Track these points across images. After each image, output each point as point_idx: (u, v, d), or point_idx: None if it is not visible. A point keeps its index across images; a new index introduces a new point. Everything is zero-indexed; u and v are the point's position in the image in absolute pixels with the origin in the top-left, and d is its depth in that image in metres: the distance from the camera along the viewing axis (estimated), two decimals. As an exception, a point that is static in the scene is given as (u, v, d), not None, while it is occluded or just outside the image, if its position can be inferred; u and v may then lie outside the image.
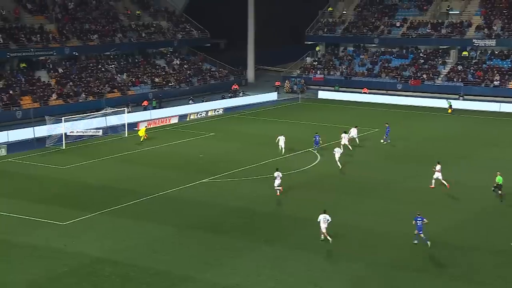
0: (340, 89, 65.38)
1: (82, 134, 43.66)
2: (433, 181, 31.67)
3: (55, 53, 56.14)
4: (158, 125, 49.26)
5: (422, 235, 24.12)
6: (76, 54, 58.30)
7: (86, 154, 39.50)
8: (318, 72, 69.24)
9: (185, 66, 67.11)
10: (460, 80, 61.41)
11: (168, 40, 67.31)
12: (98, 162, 37.59)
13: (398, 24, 69.03)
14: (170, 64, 66.33)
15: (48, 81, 54.03)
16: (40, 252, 23.77)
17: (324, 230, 24.54)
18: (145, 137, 42.83)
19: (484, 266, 22.90)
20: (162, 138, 44.25)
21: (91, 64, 59.12)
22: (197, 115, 53.47)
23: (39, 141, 41.65)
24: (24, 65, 54.19)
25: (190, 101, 57.42)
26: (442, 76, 63.29)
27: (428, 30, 66.46)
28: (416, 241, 24.34)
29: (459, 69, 62.68)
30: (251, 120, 50.03)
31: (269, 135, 43.38)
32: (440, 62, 65.05)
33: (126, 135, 44.85)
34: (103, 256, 23.45)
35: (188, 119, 52.20)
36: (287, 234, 25.80)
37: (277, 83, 67.86)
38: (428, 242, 24.01)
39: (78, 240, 24.94)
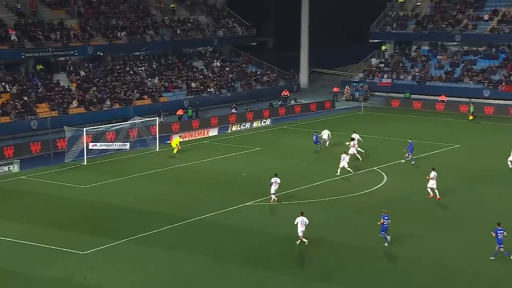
0: (412, 96, 64.52)
1: (106, 148, 44.57)
2: (429, 189, 33.59)
3: (76, 53, 57.70)
4: (195, 137, 49.88)
5: (384, 234, 27.54)
6: (101, 54, 59.79)
7: (111, 171, 40.26)
8: (385, 76, 68.66)
9: (227, 68, 67.87)
10: None
11: (207, 38, 68.33)
12: (125, 181, 38.22)
13: (486, 17, 67.73)
14: (209, 66, 67.25)
15: (68, 86, 55.62)
16: (57, 286, 24.28)
17: (301, 234, 27.14)
18: (178, 149, 43.49)
19: None
20: (199, 153, 44.72)
21: (117, 66, 60.59)
22: (240, 126, 53.82)
23: (57, 156, 42.78)
24: (41, 66, 55.98)
25: (233, 109, 57.91)
26: (541, 80, 61.57)
27: (525, 24, 64.96)
28: (386, 244, 27.55)
29: None
30: (303, 132, 49.92)
31: (325, 150, 43.17)
32: (539, 63, 63.35)
33: (158, 149, 45.56)
34: (129, 291, 23.83)
35: (229, 131, 52.65)
36: (346, 269, 25.51)
37: (335, 89, 67.68)
38: (388, 238, 27.45)
39: (101, 272, 25.36)
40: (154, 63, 63.70)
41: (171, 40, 64.91)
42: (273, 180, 33.07)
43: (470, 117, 55.70)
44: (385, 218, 27.76)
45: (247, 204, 33.42)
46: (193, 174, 39.59)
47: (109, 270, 25.64)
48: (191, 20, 68.91)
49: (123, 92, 56.79)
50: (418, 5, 73.40)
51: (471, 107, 56.88)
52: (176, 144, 43.85)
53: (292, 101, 63.69)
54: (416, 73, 67.55)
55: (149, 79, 60.80)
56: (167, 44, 64.91)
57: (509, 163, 39.42)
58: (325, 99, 64.45)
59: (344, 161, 38.13)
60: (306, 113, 60.39)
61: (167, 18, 67.40)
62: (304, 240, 27.17)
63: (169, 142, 46.24)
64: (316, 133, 45.03)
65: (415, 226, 30.22)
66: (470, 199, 34.41)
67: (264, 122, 55.81)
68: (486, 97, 61.95)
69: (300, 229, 27.20)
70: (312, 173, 38.88)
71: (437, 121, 56.78)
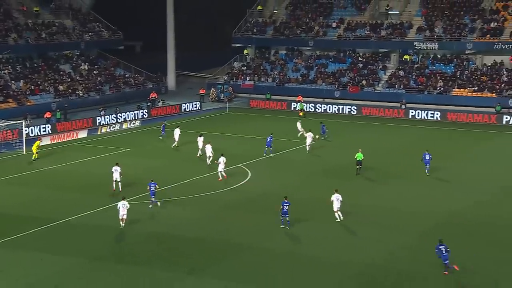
0: (272, 97, 66.01)
1: (-32, 152, 41.38)
2: (219, 173, 36.49)
3: None
4: (64, 140, 47.58)
5: (153, 198, 31.36)
6: (-40, 57, 55.55)
7: (-27, 176, 37.46)
8: (247, 78, 69.64)
9: (95, 72, 65.50)
10: (402, 86, 63.63)
11: (73, 41, 65.52)
12: (-11, 185, 35.70)
13: (334, 25, 70.77)
14: (76, 69, 64.49)
15: None
16: None
17: (122, 217, 28.66)
18: (37, 154, 41.15)
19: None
20: (68, 155, 42.80)
21: (-21, 69, 56.42)
22: (109, 128, 52.22)
23: None
24: None
25: (102, 111, 55.98)
26: (382, 82, 65.32)
27: (366, 32, 68.55)
28: (150, 206, 31.38)
29: (401, 75, 65.00)
30: (172, 133, 49.30)
31: (194, 150, 42.90)
32: (380, 66, 67.19)
33: (24, 153, 42.97)
34: (-5, 298, 22.10)
35: (99, 133, 50.85)
36: (215, 263, 25.37)
37: (201, 91, 67.61)
38: (158, 203, 31.34)
39: (-37, 280, 23.36)
40: (19, 66, 59.94)
41: (36, 43, 61.43)
42: (113, 169, 34.20)
43: (301, 113, 58.57)
44: (151, 185, 31.39)
45: (116, 204, 32.21)
46: (62, 177, 37.71)
47: (-27, 278, 23.61)
48: (57, 24, 65.68)
49: (-14, 96, 52.94)
50: (275, 12, 75.16)
51: (301, 105, 60.48)
52: (35, 149, 41.30)
53: (160, 103, 62.80)
54: (276, 76, 69.14)
55: (14, 82, 57.16)
56: (32, 48, 61.38)
57: (307, 147, 43.70)
58: (192, 101, 64.05)
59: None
60: (174, 113, 59.75)
61: (30, 21, 63.74)
62: (123, 224, 28.74)
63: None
64: (165, 122, 48.84)
65: (276, 216, 30.74)
66: (322, 193, 35.54)
67: (133, 123, 54.48)
68: (336, 98, 64.66)
69: (122, 212, 28.63)
70: (181, 172, 38.48)
71: (293, 119, 58.43)
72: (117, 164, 34.42)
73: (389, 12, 69.88)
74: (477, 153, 45.74)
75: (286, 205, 28.83)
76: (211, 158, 39.55)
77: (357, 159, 37.89)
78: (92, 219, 30.22)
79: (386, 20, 69.52)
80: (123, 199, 29.27)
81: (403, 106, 60.72)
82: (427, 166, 38.03)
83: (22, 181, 36.64)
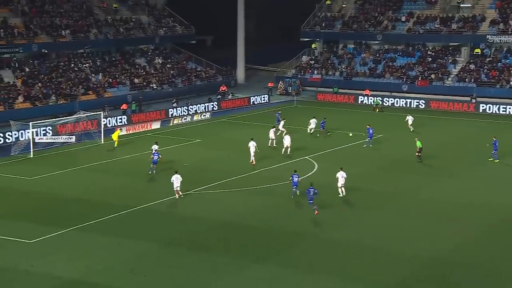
0: (339, 90, 65.67)
1: (52, 141, 43.52)
2: (252, 158, 38.06)
3: (21, 50, 55.93)
4: (138, 130, 49.24)
5: (155, 166, 35.06)
6: (45, 51, 58.15)
7: (57, 163, 39.35)
8: (315, 72, 69.54)
9: (168, 65, 67.18)
10: (472, 80, 61.84)
11: (149, 36, 67.40)
12: (71, 172, 37.45)
13: (403, 18, 69.51)
14: (151, 63, 66.36)
15: (14, 82, 53.83)
16: (5, 275, 23.55)
17: (177, 188, 31.16)
18: (118, 142, 42.87)
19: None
20: (142, 145, 44.18)
21: (62, 63, 59.02)
22: (181, 120, 53.52)
23: (3, 149, 41.38)
24: (-14, 64, 54.00)
25: (174, 103, 57.45)
26: (452, 76, 63.72)
27: (436, 26, 66.97)
28: (150, 171, 35.51)
29: (471, 68, 63.16)
30: (241, 125, 50.10)
31: (261, 142, 43.40)
32: (450, 60, 65.52)
33: (103, 142, 44.78)
34: (77, 278, 23.29)
35: (171, 124, 52.24)
36: (280, 252, 25.76)
37: (270, 84, 68.08)
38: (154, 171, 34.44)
39: (48, 260, 24.75)
40: (98, 60, 62.33)
41: (114, 38, 63.66)
42: (153, 147, 37.77)
43: (376, 110, 58.03)
44: (155, 154, 36.15)
45: (188, 192, 33.22)
46: (137, 165, 39.05)
47: (57, 257, 25.04)
48: (133, 20, 67.76)
49: (68, 88, 55.41)
50: (344, 6, 74.60)
51: (377, 101, 59.64)
52: (116, 137, 43.17)
53: (230, 96, 63.73)
54: (343, 69, 68.72)
55: (93, 75, 59.52)
56: (111, 42, 63.64)
57: (308, 130, 46.35)
58: (261, 94, 64.65)
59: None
60: (243, 106, 60.52)
61: (110, 17, 66.05)
62: (180, 194, 31.36)
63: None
64: (279, 111, 50.94)
65: (344, 209, 30.85)
66: (386, 185, 35.29)
67: (204, 115, 55.61)
68: (404, 91, 63.63)
69: (176, 184, 31.23)
70: (249, 164, 38.96)
71: (361, 113, 57.93)
72: (156, 143, 38.04)
73: (461, 5, 67.93)
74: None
75: (296, 177, 31.41)
76: (289, 149, 40.11)
77: (419, 146, 39.32)
78: (165, 205, 31.20)
79: (458, 13, 67.63)
80: (176, 172, 31.68)
81: (473, 100, 59.06)
82: (495, 153, 38.93)
83: (101, 169, 38.18)
